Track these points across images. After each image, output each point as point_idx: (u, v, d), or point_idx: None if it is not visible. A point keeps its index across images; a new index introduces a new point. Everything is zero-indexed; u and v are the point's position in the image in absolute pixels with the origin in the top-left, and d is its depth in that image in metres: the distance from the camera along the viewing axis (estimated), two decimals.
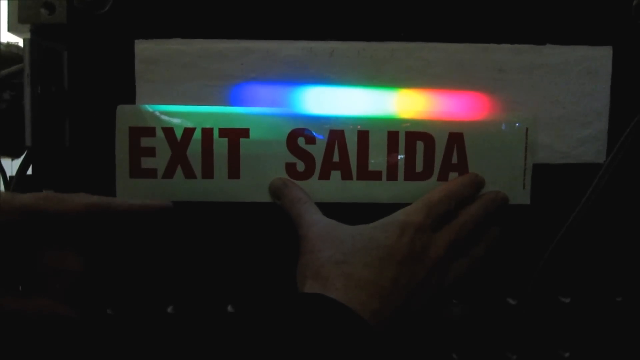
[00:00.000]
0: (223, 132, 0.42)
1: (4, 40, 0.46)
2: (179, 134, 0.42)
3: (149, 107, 0.42)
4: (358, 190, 0.44)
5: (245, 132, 0.43)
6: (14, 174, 0.46)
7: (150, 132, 0.42)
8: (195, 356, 0.37)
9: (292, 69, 0.43)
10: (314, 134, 0.43)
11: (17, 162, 0.49)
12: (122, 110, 0.42)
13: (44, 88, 0.41)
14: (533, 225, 0.45)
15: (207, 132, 0.42)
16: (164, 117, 0.42)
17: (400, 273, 0.36)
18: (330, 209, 0.42)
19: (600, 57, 0.44)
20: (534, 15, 0.44)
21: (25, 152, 0.44)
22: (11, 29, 0.46)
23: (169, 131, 0.42)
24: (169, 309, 0.44)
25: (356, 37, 0.43)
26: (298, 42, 0.43)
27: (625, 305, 0.46)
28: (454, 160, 0.44)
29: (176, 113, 0.42)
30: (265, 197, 0.44)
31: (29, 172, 0.46)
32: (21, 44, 0.47)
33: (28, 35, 0.45)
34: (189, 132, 0.42)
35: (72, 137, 0.43)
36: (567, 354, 0.46)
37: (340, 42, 0.43)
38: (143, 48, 0.42)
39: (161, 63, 0.42)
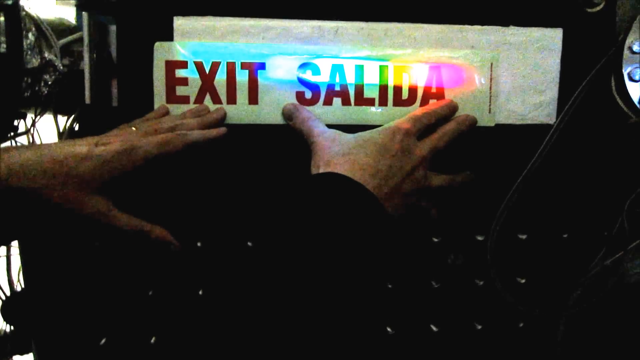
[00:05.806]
0: (244, 65, 0.50)
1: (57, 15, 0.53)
2: (207, 66, 0.50)
3: (182, 44, 0.50)
4: (355, 114, 0.52)
5: (262, 65, 0.50)
6: None
7: (183, 65, 0.50)
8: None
9: (304, 44, 0.51)
10: (319, 67, 0.51)
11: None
12: (159, 46, 0.50)
13: (98, 55, 0.49)
14: (498, 176, 0.53)
15: (230, 65, 0.50)
16: (194, 53, 0.50)
17: (393, 163, 0.46)
18: None
19: (553, 38, 0.53)
20: (500, 2, 0.53)
21: (77, 110, 0.52)
22: (59, 1, 0.53)
23: (199, 64, 0.50)
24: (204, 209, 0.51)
25: (357, 18, 0.51)
26: (309, 21, 0.51)
27: (569, 240, 0.55)
28: (434, 90, 0.53)
29: (205, 49, 0.50)
30: (279, 120, 0.52)
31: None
32: (68, 17, 0.54)
33: (74, 10, 0.52)
34: (215, 64, 0.50)
35: (119, 98, 0.51)
36: (523, 280, 0.55)
37: (343, 22, 0.51)
38: (181, 23, 0.50)
39: (195, 36, 0.50)
